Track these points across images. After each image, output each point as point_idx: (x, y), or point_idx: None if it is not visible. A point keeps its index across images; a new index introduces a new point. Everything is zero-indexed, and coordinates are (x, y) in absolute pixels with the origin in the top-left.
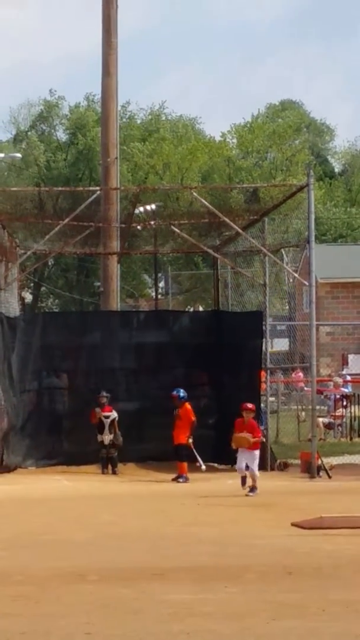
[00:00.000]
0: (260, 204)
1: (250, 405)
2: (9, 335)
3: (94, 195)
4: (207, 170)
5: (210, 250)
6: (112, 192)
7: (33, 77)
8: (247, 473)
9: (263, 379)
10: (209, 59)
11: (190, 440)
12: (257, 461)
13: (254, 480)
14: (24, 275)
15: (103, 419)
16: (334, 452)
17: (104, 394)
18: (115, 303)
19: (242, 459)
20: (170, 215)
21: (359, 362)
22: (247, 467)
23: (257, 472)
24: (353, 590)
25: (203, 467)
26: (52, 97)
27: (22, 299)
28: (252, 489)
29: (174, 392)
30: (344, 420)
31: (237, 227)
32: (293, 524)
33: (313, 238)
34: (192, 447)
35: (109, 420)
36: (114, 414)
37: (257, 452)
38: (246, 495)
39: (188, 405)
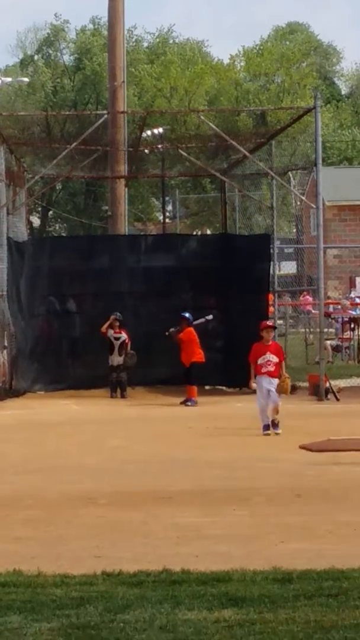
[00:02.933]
0: (268, 127)
1: (270, 322)
2: (18, 259)
3: (102, 119)
4: (214, 93)
5: (217, 174)
6: (119, 115)
7: (39, 1)
8: (270, 406)
9: (271, 302)
10: None
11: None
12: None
13: (278, 411)
14: (31, 200)
15: (113, 340)
16: (342, 375)
17: (117, 314)
18: (123, 227)
19: (265, 392)
20: (178, 139)
21: None
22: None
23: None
24: None
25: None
26: (58, 21)
27: (29, 223)
28: (277, 424)
29: (186, 315)
30: (352, 342)
31: (244, 150)
32: (301, 447)
33: (320, 161)
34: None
35: (119, 342)
36: (123, 336)
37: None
38: (276, 434)
39: (191, 329)
